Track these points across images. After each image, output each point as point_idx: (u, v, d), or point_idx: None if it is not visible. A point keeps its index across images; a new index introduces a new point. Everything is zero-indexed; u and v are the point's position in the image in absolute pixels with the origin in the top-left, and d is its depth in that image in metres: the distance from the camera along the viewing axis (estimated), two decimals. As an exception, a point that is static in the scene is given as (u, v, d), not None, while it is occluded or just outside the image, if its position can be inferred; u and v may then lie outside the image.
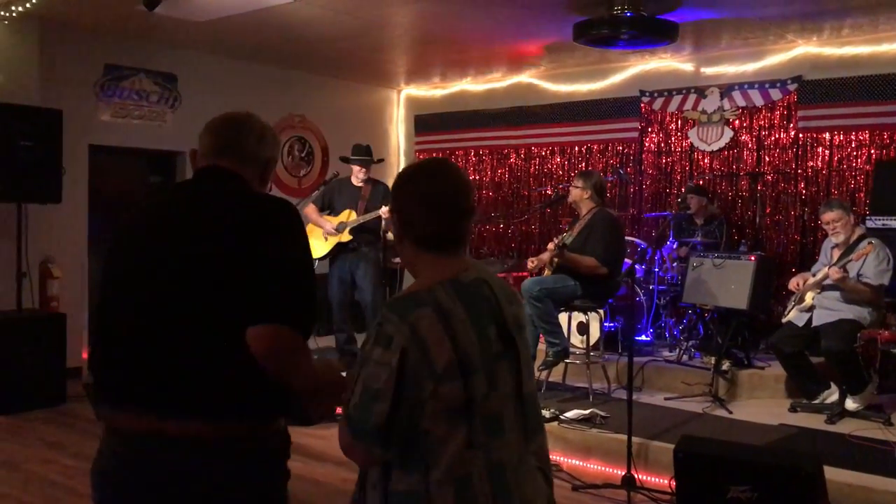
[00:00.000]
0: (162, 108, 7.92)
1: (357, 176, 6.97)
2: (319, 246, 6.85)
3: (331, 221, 6.87)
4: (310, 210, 6.97)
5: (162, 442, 1.82)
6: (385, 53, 8.28)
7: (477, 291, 1.79)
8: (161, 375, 1.85)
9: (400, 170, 2.01)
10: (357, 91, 9.71)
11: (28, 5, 6.25)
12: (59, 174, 6.49)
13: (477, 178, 9.44)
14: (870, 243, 5.37)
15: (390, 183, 8.23)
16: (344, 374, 2.10)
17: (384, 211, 6.62)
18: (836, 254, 5.63)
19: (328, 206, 7.01)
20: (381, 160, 7.45)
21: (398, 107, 10.28)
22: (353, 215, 6.84)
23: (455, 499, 1.65)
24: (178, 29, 7.02)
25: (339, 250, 6.88)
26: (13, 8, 6.37)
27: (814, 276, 5.73)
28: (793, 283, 5.89)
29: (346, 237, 6.84)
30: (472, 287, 1.78)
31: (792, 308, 5.80)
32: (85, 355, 7.21)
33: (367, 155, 7.03)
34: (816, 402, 5.64)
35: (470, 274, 1.81)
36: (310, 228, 6.84)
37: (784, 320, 5.85)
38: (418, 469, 1.66)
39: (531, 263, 6.00)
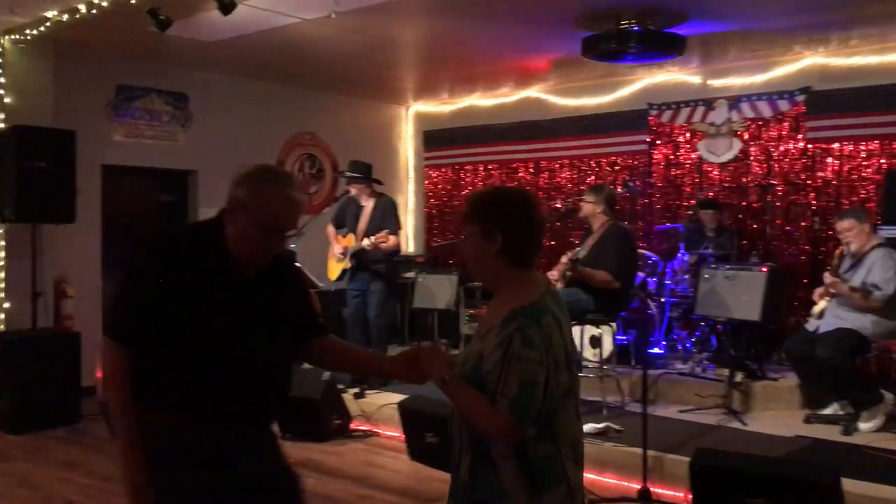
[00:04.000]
0: (174, 128, 7.99)
1: (359, 195, 6.96)
2: (334, 268, 6.89)
3: (340, 244, 6.88)
4: (328, 230, 7.04)
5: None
6: (393, 70, 8.34)
7: (561, 300, 2.25)
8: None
9: (488, 193, 2.33)
10: (366, 108, 9.77)
11: (42, 28, 6.33)
12: (72, 194, 6.55)
13: (486, 192, 9.46)
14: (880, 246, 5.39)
15: (403, 199, 8.23)
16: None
17: (368, 243, 6.58)
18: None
19: (339, 225, 7.03)
20: (377, 181, 7.07)
21: (407, 123, 10.33)
22: (353, 240, 6.83)
23: (574, 459, 2.16)
24: (190, 49, 7.09)
25: (354, 266, 6.87)
26: (28, 31, 6.45)
27: (835, 285, 5.72)
28: (816, 294, 5.88)
29: (347, 264, 6.82)
30: (559, 296, 2.27)
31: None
32: (100, 374, 7.24)
33: (359, 172, 6.91)
34: (827, 412, 5.61)
35: (553, 286, 2.27)
36: (330, 250, 6.94)
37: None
38: (550, 439, 2.10)
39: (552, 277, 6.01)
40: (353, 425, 6.13)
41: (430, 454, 5.10)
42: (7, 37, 6.63)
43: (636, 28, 6.10)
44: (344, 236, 6.92)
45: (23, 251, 6.66)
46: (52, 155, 6.42)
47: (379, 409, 6.19)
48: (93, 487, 4.92)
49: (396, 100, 9.99)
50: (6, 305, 6.65)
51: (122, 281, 2.33)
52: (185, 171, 8.15)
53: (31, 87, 6.80)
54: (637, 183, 8.25)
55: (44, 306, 6.78)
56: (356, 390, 6.49)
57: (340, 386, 6.31)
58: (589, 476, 4.94)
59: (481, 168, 9.61)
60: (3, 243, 6.65)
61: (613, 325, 6.30)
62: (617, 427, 5.33)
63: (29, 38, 6.55)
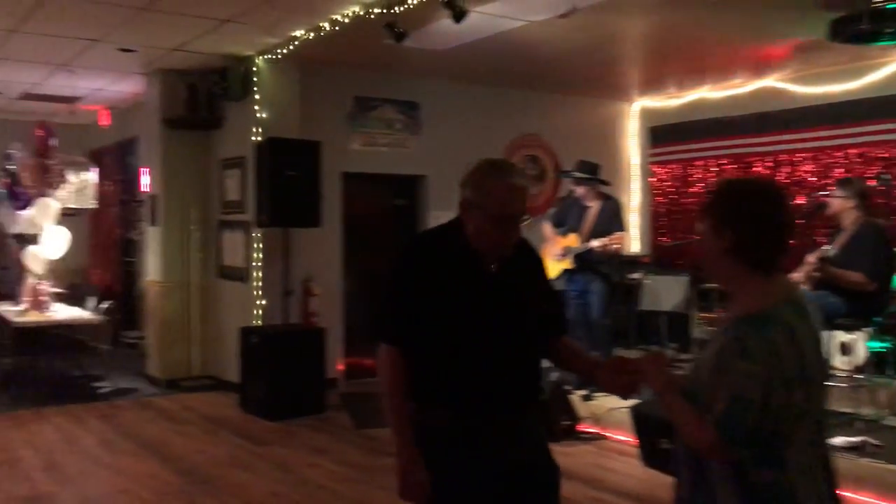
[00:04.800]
0: (405, 135, 8.36)
1: (585, 196, 6.87)
2: (552, 267, 6.85)
3: (560, 244, 6.84)
4: (546, 228, 7.02)
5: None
6: (618, 67, 8.19)
7: (808, 309, 1.99)
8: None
9: (723, 186, 2.11)
10: (589, 106, 9.67)
11: (290, 47, 6.87)
12: (318, 200, 7.06)
13: (718, 189, 9.04)
14: None
15: (627, 198, 8.03)
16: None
17: (598, 244, 6.47)
18: None
19: (559, 224, 6.99)
20: (604, 181, 7.03)
21: (631, 119, 10.11)
22: (577, 241, 6.75)
23: (807, 488, 1.90)
24: (420, 59, 7.38)
25: (576, 267, 6.82)
26: (278, 51, 7.04)
27: None
28: None
29: (568, 264, 6.75)
30: (805, 305, 1.99)
31: None
32: (340, 367, 7.76)
33: (586, 172, 6.82)
34: None
35: (799, 293, 2.00)
36: (545, 249, 6.91)
37: None
38: (774, 465, 1.88)
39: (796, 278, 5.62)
40: (581, 427, 6.08)
41: (665, 460, 4.92)
42: (261, 57, 7.27)
43: (892, 5, 5.55)
44: (564, 236, 6.88)
45: (275, 253, 7.29)
46: (300, 164, 6.96)
47: (608, 412, 6.10)
48: (341, 474, 5.26)
49: (620, 96, 9.80)
50: (262, 302, 7.30)
51: (385, 286, 2.49)
52: (416, 177, 8.50)
53: (281, 102, 7.41)
54: (893, 175, 7.49)
55: (293, 304, 7.37)
56: (584, 392, 6.43)
57: (567, 387, 6.28)
58: (844, 493, 4.56)
59: (712, 163, 9.18)
60: (260, 246, 7.31)
61: (868, 329, 5.76)
62: (875, 441, 4.88)
63: (279, 56, 7.14)
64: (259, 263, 7.33)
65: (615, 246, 6.51)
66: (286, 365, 6.78)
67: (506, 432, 2.37)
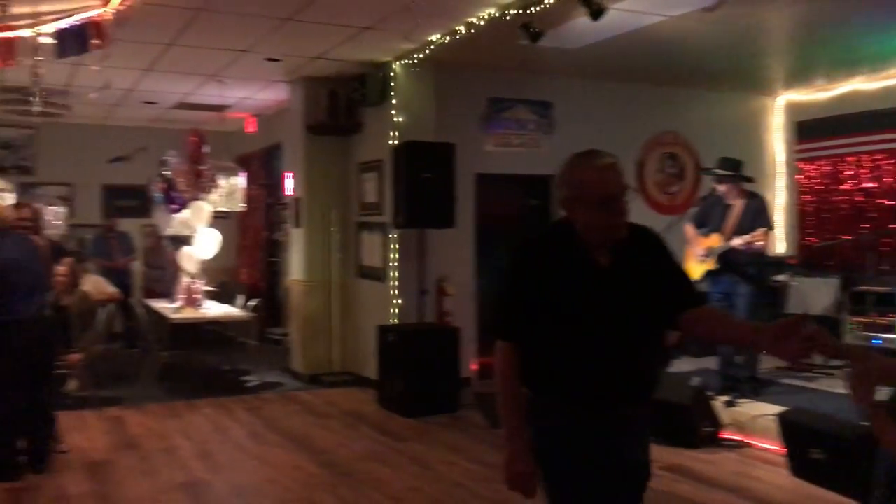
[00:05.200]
0: (538, 135, 8.33)
1: (727, 194, 6.59)
2: (695, 269, 6.63)
3: (702, 245, 6.59)
4: (688, 229, 6.79)
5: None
6: (762, 60, 7.87)
7: None
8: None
9: None
10: (730, 102, 9.32)
11: (426, 52, 6.99)
12: (453, 202, 7.14)
13: (874, 185, 8.51)
14: None
15: (772, 196, 7.59)
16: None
17: (740, 242, 6.20)
18: None
19: (701, 224, 6.74)
20: (747, 178, 6.71)
21: (776, 114, 9.66)
22: (719, 241, 6.49)
23: None
24: (554, 58, 7.33)
25: (719, 268, 6.56)
26: (414, 55, 7.18)
27: None
28: None
29: (711, 265, 6.48)
30: None
31: None
32: (474, 367, 7.82)
33: (728, 169, 6.54)
34: None
35: None
36: (688, 250, 6.69)
37: None
38: None
39: None
40: (722, 434, 5.87)
41: (816, 471, 4.72)
42: (398, 62, 7.44)
43: None
44: (706, 236, 6.63)
45: (411, 254, 7.44)
46: (435, 166, 7.08)
47: (752, 419, 5.85)
48: (477, 473, 5.30)
49: (764, 90, 9.39)
50: (399, 302, 7.47)
51: (500, 286, 2.55)
52: (550, 176, 8.43)
53: (416, 106, 7.56)
54: None
55: (428, 303, 7.49)
56: (727, 398, 6.20)
57: (710, 393, 6.08)
58: None
59: (866, 159, 8.64)
60: (397, 247, 7.49)
61: None
62: None
63: (415, 61, 7.28)
64: (395, 263, 7.50)
65: (758, 243, 6.23)
66: (422, 363, 6.91)
67: (616, 428, 2.37)
